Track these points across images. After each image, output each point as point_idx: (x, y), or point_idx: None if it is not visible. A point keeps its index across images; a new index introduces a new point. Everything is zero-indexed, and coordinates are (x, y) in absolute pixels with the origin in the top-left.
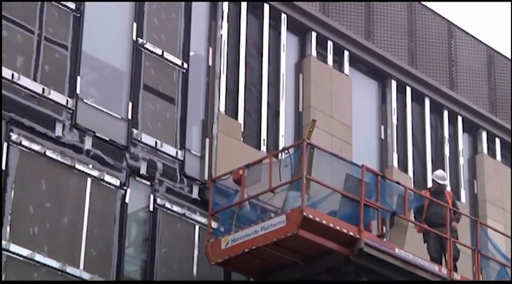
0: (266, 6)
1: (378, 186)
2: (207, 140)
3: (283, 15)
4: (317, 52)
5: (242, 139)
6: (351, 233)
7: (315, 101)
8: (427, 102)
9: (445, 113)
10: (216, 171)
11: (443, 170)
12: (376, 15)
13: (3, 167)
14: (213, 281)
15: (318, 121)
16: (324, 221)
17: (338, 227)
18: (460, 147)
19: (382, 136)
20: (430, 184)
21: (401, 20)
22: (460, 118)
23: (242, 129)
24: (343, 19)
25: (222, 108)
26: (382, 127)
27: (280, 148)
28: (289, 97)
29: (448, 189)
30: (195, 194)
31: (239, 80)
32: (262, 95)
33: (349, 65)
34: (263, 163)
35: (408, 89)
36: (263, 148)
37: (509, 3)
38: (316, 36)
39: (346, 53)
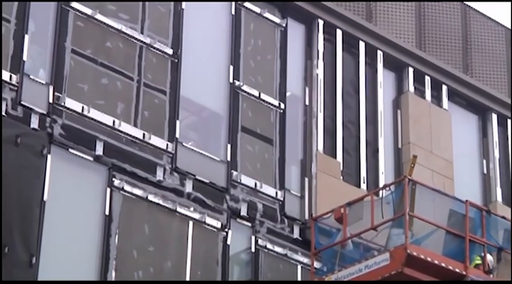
0: (362, 44)
1: (483, 221)
2: (306, 179)
3: (379, 52)
4: (414, 87)
5: (341, 177)
6: (457, 270)
7: (414, 137)
8: None
9: None
10: (316, 210)
11: None
12: (474, 49)
13: (107, 212)
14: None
15: (417, 157)
16: (429, 258)
17: (443, 264)
18: None
19: (485, 171)
20: None
21: (500, 52)
22: None
23: (341, 168)
24: (440, 53)
25: (321, 147)
26: (484, 162)
27: (380, 185)
28: (387, 134)
29: None
30: (296, 234)
31: (336, 118)
32: (361, 133)
33: (448, 99)
34: (364, 201)
35: (509, 122)
36: (363, 186)
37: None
38: (413, 72)
39: (444, 87)
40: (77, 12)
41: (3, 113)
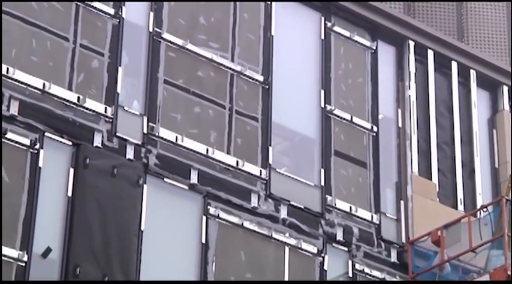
0: (454, 64)
1: None
2: (402, 202)
3: (472, 71)
4: (510, 106)
5: (438, 199)
6: None
7: None
8: None
9: None
10: (413, 233)
11: None
12: None
13: (204, 240)
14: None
15: None
16: None
17: None
18: None
19: None
20: None
21: None
22: None
23: (437, 189)
24: None
25: (415, 168)
26: None
27: (478, 206)
28: (483, 153)
29: None
30: (393, 257)
31: (430, 140)
32: (456, 153)
33: None
34: (462, 222)
35: None
36: (460, 207)
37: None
38: (508, 90)
39: None
40: (168, 43)
41: (99, 145)
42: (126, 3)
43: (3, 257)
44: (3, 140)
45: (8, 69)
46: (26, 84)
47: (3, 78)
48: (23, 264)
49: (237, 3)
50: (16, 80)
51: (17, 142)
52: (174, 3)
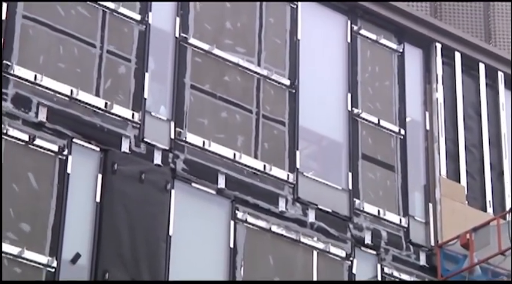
0: (481, 66)
1: None
2: (431, 205)
3: (500, 73)
4: None
5: (466, 202)
6: None
7: None
8: None
9: None
10: (442, 236)
11: None
12: None
13: (232, 245)
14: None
15: None
16: None
17: None
18: None
19: None
20: None
21: None
22: None
23: (466, 192)
24: None
25: (443, 171)
26: None
27: (507, 209)
28: None
29: None
30: (422, 261)
31: (459, 142)
32: (484, 156)
33: None
34: (491, 225)
35: None
36: (489, 210)
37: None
38: None
39: None
40: (194, 48)
41: (127, 150)
42: (153, 9)
43: (32, 263)
44: (31, 146)
45: (35, 75)
46: (53, 90)
47: (31, 84)
48: (52, 270)
49: (263, 7)
50: (44, 87)
51: (45, 148)
52: (200, 8)
